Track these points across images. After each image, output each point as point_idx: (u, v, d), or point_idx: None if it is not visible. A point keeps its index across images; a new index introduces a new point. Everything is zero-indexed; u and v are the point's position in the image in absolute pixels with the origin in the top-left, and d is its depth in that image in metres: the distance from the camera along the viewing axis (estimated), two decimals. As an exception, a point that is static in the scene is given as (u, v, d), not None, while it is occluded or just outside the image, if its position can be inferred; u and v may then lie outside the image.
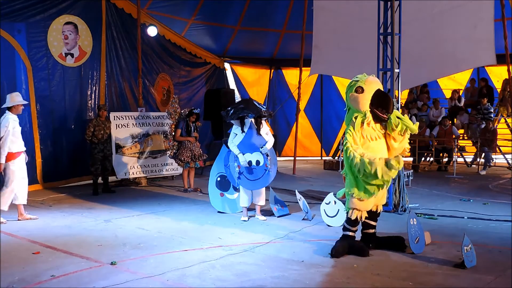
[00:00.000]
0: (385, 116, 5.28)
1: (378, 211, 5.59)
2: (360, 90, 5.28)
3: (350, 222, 5.46)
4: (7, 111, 7.14)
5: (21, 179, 7.21)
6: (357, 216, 5.38)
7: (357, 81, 5.35)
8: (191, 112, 9.72)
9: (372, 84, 5.32)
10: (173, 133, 9.74)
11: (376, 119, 5.31)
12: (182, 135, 9.62)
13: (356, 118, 5.32)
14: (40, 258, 5.31)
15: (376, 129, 5.36)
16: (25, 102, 7.50)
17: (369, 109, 5.28)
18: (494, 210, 7.74)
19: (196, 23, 14.44)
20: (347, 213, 5.44)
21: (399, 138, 5.39)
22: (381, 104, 5.26)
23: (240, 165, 7.11)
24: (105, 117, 9.70)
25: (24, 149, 7.27)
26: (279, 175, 9.30)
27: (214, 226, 6.87)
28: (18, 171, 7.13)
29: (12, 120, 7.05)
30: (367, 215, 5.47)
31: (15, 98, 7.21)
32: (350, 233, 5.49)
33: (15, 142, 7.05)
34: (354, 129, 5.28)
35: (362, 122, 5.29)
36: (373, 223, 5.61)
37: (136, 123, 10.77)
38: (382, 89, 5.43)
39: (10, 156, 7.03)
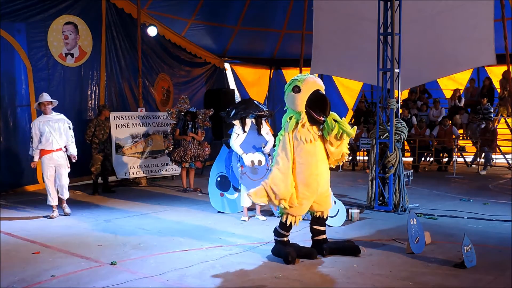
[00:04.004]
0: (321, 118, 5.04)
1: (324, 216, 5.42)
2: (297, 89, 5.05)
3: (284, 227, 5.28)
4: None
5: (45, 179, 7.54)
6: (291, 222, 5.23)
7: (296, 80, 5.15)
8: (187, 111, 9.75)
9: (310, 84, 5.08)
10: (173, 132, 9.78)
11: (312, 121, 5.08)
12: (180, 135, 9.64)
13: (290, 118, 5.16)
14: (40, 258, 5.31)
15: (312, 131, 5.14)
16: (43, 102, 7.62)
17: (305, 110, 5.08)
18: (494, 210, 7.74)
19: (196, 23, 14.45)
20: (281, 217, 5.27)
21: (336, 142, 5.15)
22: (318, 105, 5.03)
23: (244, 166, 7.11)
24: (105, 117, 9.71)
25: (54, 148, 7.44)
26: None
27: (214, 226, 6.86)
28: (45, 169, 7.52)
29: (37, 121, 7.49)
30: (301, 219, 5.36)
31: (39, 98, 7.61)
32: (285, 239, 5.32)
33: (41, 142, 7.41)
34: (286, 131, 5.14)
35: (297, 123, 5.12)
36: (321, 228, 5.43)
37: (136, 123, 10.77)
38: (322, 90, 5.17)
39: (41, 154, 7.47)
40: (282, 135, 5.20)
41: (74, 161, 7.72)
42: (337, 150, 5.21)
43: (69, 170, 7.70)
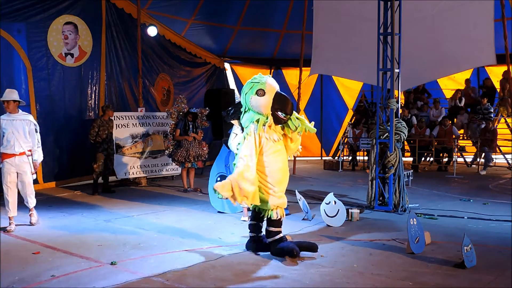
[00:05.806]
0: (285, 118, 5.25)
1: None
2: (261, 93, 5.19)
3: (275, 223, 5.32)
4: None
5: (4, 186, 6.65)
6: (281, 215, 5.30)
7: (257, 83, 5.26)
8: (188, 112, 9.76)
9: (272, 87, 5.26)
10: (173, 133, 9.78)
11: (277, 121, 5.29)
12: (180, 135, 9.64)
13: (258, 121, 5.26)
14: (40, 258, 5.31)
15: (277, 131, 5.36)
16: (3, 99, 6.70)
17: (271, 112, 5.23)
18: (494, 210, 7.75)
19: (196, 23, 14.45)
20: (270, 215, 5.29)
21: (296, 138, 5.46)
22: (281, 106, 5.21)
23: (240, 165, 7.11)
24: (108, 117, 9.72)
25: (17, 152, 6.58)
26: (279, 175, 9.30)
27: (214, 226, 6.87)
28: (4, 175, 6.64)
29: (1, 119, 6.61)
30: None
31: (5, 95, 6.66)
32: (281, 234, 5.36)
33: (2, 144, 6.57)
34: (255, 132, 5.22)
35: (264, 125, 5.26)
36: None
37: (136, 123, 10.77)
38: (279, 90, 5.34)
39: (2, 158, 6.61)
40: (248, 134, 5.27)
41: (33, 174, 6.81)
42: (295, 145, 5.55)
43: (34, 177, 6.90)
